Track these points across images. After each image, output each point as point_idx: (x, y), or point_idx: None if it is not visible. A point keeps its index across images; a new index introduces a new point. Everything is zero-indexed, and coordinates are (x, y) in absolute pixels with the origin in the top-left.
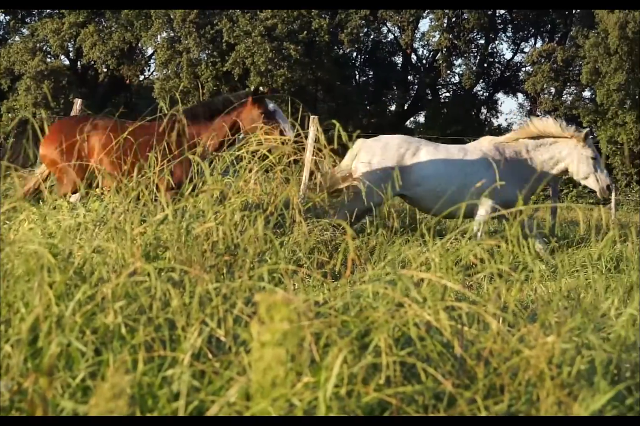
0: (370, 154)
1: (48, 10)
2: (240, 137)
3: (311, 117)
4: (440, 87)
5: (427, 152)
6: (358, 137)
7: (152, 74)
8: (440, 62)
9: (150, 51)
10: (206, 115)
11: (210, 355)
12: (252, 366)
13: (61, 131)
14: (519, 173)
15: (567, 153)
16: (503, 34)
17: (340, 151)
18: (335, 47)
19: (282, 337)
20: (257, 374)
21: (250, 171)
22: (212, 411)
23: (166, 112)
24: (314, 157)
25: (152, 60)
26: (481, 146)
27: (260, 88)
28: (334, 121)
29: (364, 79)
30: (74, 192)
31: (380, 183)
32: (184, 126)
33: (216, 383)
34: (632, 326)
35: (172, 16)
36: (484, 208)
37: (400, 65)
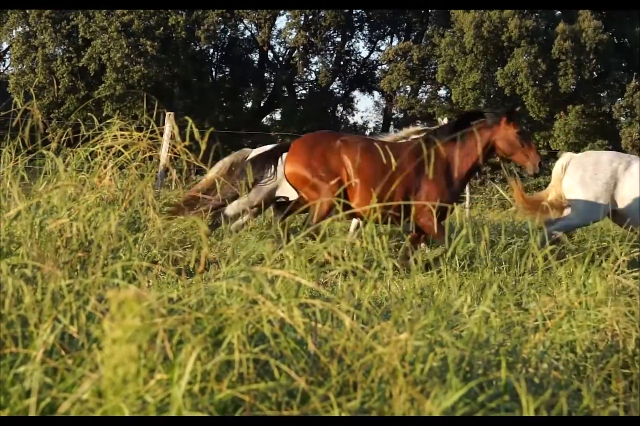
0: (582, 170)
1: None
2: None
3: (167, 113)
4: (296, 84)
5: None
6: (212, 133)
7: (7, 68)
8: (297, 59)
9: (5, 46)
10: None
11: (62, 352)
12: (104, 363)
13: (309, 147)
14: None
15: None
16: (359, 32)
17: (194, 147)
18: (192, 44)
19: (134, 334)
20: (109, 371)
21: (105, 167)
22: (64, 408)
23: (20, 107)
24: (169, 154)
25: (7, 55)
26: None
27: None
28: (187, 117)
29: (221, 75)
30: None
31: (596, 199)
32: (438, 147)
33: (68, 380)
34: (484, 324)
35: (27, 11)
36: None
37: (257, 62)
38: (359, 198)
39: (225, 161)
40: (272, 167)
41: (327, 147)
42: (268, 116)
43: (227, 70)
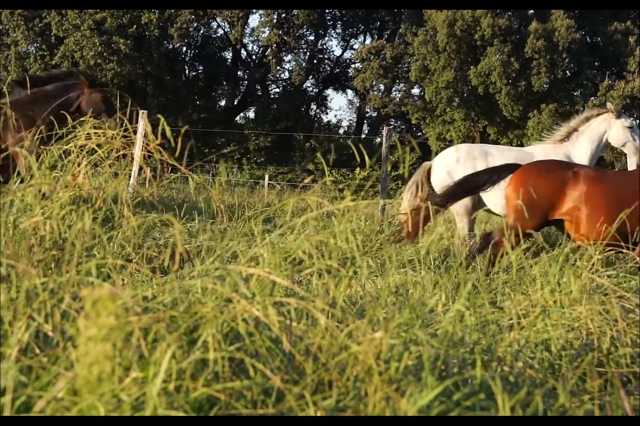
0: None
1: None
2: None
3: (140, 111)
4: (270, 82)
5: None
6: (186, 131)
7: None
8: (270, 57)
9: None
10: None
11: (37, 350)
12: (79, 361)
13: (537, 173)
14: None
15: None
16: (332, 31)
17: (167, 145)
18: (165, 42)
19: (109, 332)
20: (84, 369)
21: (78, 165)
22: (39, 407)
23: None
24: (143, 152)
25: None
26: None
27: None
28: (159, 116)
29: (194, 73)
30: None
31: None
32: None
33: (43, 378)
34: (459, 322)
35: None
36: None
37: (230, 60)
38: (586, 229)
39: (413, 179)
40: (492, 183)
41: (556, 177)
42: (241, 114)
43: (201, 68)
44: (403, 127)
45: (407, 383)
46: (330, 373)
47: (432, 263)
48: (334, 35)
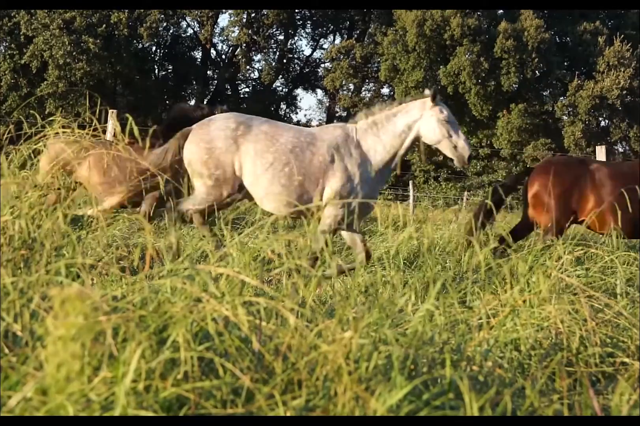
0: None
1: None
2: None
3: (110, 111)
4: (239, 82)
5: None
6: (155, 131)
7: None
8: (240, 57)
9: None
10: None
11: (6, 350)
12: (48, 361)
13: None
14: None
15: None
16: (302, 30)
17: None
18: (135, 41)
19: (78, 332)
20: (52, 369)
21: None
22: (8, 407)
23: None
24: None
25: None
26: None
27: None
28: (128, 115)
29: (164, 73)
30: None
31: None
32: None
33: (12, 378)
34: (428, 322)
35: None
36: None
37: (199, 60)
38: None
39: None
40: None
41: None
42: None
43: (170, 67)
44: None
45: (376, 383)
46: (299, 373)
47: (402, 263)
48: (304, 35)
